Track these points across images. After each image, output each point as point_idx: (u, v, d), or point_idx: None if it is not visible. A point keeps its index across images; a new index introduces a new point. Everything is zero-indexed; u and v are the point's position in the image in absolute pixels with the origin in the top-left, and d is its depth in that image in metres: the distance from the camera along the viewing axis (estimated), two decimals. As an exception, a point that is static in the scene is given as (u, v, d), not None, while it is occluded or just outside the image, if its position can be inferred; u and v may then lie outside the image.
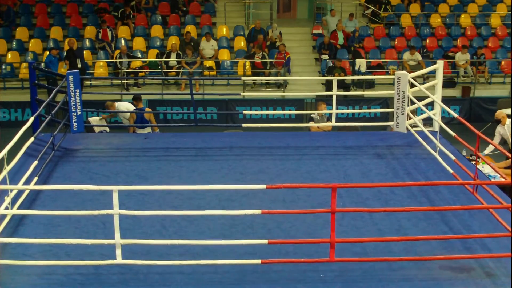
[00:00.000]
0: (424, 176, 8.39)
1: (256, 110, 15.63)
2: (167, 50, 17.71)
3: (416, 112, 10.74)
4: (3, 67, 17.19)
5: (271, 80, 17.46)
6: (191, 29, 18.68)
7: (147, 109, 11.49)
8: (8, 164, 6.82)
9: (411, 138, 9.70)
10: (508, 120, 11.54)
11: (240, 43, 18.66)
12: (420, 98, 9.61)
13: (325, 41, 18.35)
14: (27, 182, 7.55)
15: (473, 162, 8.75)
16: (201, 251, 6.25)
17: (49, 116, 8.90)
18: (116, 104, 11.95)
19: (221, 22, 19.54)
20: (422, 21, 19.86)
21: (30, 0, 19.47)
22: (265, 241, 6.07)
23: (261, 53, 17.41)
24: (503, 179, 7.25)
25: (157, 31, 18.96)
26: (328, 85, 16.18)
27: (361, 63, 17.47)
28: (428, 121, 11.69)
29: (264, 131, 10.83)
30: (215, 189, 7.42)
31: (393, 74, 10.09)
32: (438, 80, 9.86)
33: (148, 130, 11.03)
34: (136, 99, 11.47)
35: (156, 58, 17.54)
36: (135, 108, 11.37)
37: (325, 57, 18.00)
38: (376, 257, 6.21)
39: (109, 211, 5.80)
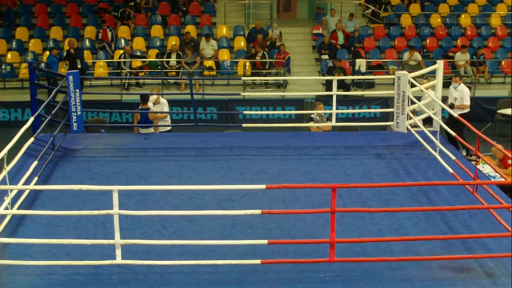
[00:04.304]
0: (424, 176, 8.39)
1: (256, 110, 15.62)
2: (167, 50, 17.70)
3: (416, 112, 10.74)
4: (3, 67, 17.18)
5: (271, 80, 17.46)
6: (191, 29, 18.67)
7: (152, 109, 11.33)
8: (8, 164, 6.83)
9: (411, 138, 9.71)
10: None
11: (240, 43, 18.65)
12: (420, 98, 9.62)
13: (325, 41, 18.34)
14: (27, 182, 7.56)
15: (473, 162, 8.76)
16: (201, 251, 6.25)
17: (49, 116, 8.90)
18: (161, 99, 11.60)
19: (221, 22, 19.53)
20: (422, 21, 19.85)
21: (30, 0, 19.46)
22: (265, 241, 6.07)
23: (262, 51, 17.40)
24: (503, 179, 7.26)
25: (157, 31, 18.96)
26: (328, 85, 16.17)
27: (361, 63, 17.46)
28: (428, 121, 11.71)
29: (264, 131, 10.83)
30: (215, 189, 7.43)
31: (393, 74, 10.09)
32: (438, 80, 9.87)
33: (151, 130, 11.02)
34: (141, 99, 11.34)
35: (156, 58, 17.54)
36: (139, 108, 11.30)
37: (325, 57, 17.99)
38: (376, 257, 6.21)
39: (109, 211, 5.81)
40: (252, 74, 17.35)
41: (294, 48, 18.69)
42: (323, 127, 11.38)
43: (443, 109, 9.26)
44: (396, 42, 19.06)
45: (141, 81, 17.20)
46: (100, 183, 7.76)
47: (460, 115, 9.53)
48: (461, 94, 9.60)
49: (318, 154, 9.34)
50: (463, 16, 20.13)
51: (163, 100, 11.31)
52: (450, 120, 9.48)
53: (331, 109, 10.46)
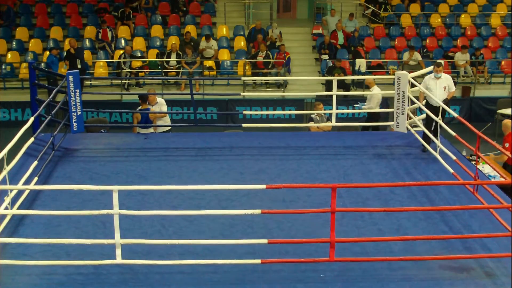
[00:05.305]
0: (424, 176, 8.39)
1: (256, 110, 15.62)
2: (167, 50, 17.70)
3: (416, 112, 10.74)
4: (3, 67, 17.17)
5: (271, 80, 17.45)
6: (191, 29, 18.67)
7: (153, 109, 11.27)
8: (8, 164, 6.83)
9: (411, 138, 9.71)
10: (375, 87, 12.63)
11: (240, 43, 18.65)
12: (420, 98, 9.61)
13: (325, 41, 18.35)
14: (27, 182, 7.56)
15: (473, 162, 8.76)
16: (201, 251, 6.25)
17: (49, 116, 8.91)
18: (158, 99, 11.52)
19: (221, 22, 19.53)
20: (422, 21, 19.84)
21: (30, 0, 19.46)
22: (265, 241, 6.08)
23: (265, 51, 17.39)
24: (503, 179, 7.26)
25: (157, 31, 18.95)
26: (328, 85, 16.16)
27: (361, 63, 17.46)
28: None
29: (264, 131, 10.84)
30: (215, 189, 7.43)
31: (393, 74, 10.09)
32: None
33: (151, 130, 11.01)
34: (140, 99, 11.30)
35: (156, 58, 17.54)
36: (139, 108, 11.28)
37: (325, 57, 17.99)
38: (376, 257, 6.21)
39: (109, 211, 5.81)
40: (253, 74, 17.34)
41: (294, 48, 18.69)
42: (323, 127, 11.38)
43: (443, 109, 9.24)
44: (396, 42, 19.06)
45: (141, 81, 17.20)
46: (100, 183, 7.76)
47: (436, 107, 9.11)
48: (448, 81, 9.36)
49: (318, 154, 9.34)
50: (463, 16, 20.13)
51: (160, 100, 11.28)
52: (429, 118, 9.17)
53: (331, 109, 10.46)
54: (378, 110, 12.38)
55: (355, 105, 13.70)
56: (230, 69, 17.88)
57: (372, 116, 12.67)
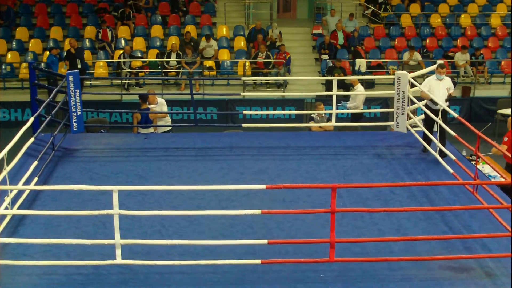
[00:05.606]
0: (424, 176, 8.39)
1: (256, 110, 15.62)
2: (167, 50, 17.70)
3: (416, 112, 10.74)
4: (3, 67, 17.17)
5: (271, 80, 17.45)
6: (191, 29, 18.67)
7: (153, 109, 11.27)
8: (8, 164, 6.83)
9: (411, 138, 9.71)
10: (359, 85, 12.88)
11: (240, 43, 18.65)
12: (420, 98, 9.62)
13: (325, 41, 18.35)
14: (27, 182, 7.56)
15: (473, 162, 8.76)
16: (201, 251, 6.26)
17: (49, 116, 8.91)
18: (159, 99, 11.52)
19: (221, 22, 19.53)
20: (422, 21, 19.85)
21: (30, 0, 19.46)
22: (265, 241, 6.08)
23: (265, 52, 17.39)
24: (503, 179, 7.26)
25: (157, 31, 18.96)
26: (328, 85, 16.16)
27: (361, 63, 17.46)
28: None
29: (264, 131, 10.84)
30: (215, 189, 7.43)
31: (393, 74, 10.09)
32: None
33: (151, 130, 11.00)
34: (141, 99, 11.30)
35: (156, 58, 17.53)
36: (139, 108, 11.26)
37: (325, 57, 17.99)
38: (376, 257, 6.21)
39: (109, 211, 5.81)
40: (253, 74, 17.34)
41: (294, 48, 18.69)
42: (325, 127, 11.38)
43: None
44: (396, 42, 19.06)
45: (141, 81, 17.20)
46: (100, 183, 7.76)
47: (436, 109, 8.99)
48: (450, 83, 9.35)
49: (318, 154, 9.35)
50: (463, 16, 20.13)
51: (161, 100, 11.27)
52: (429, 119, 9.12)
53: (331, 109, 10.46)
54: (361, 110, 12.42)
55: (339, 105, 13.67)
56: (230, 69, 17.88)
57: (354, 115, 12.71)
